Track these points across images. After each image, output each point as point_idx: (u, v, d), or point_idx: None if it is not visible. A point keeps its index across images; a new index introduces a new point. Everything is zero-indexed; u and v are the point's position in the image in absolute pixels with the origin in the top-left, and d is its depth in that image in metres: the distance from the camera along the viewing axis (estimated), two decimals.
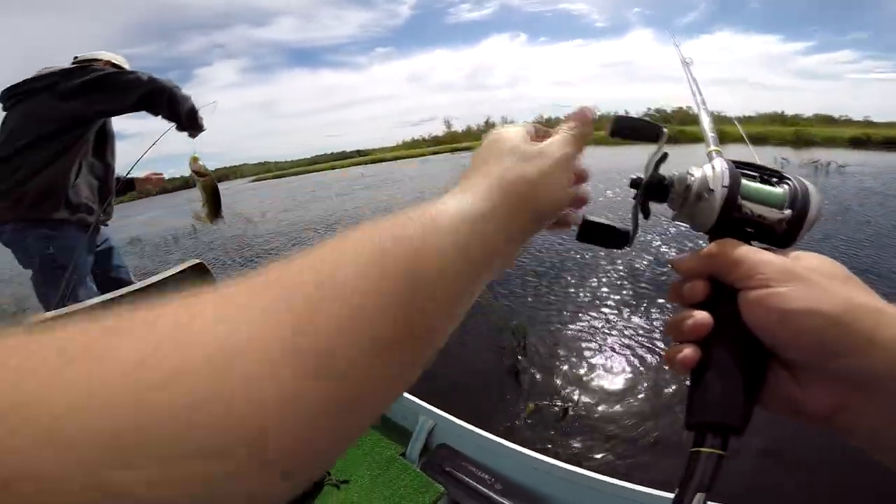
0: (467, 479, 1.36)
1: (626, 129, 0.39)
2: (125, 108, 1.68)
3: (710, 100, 0.51)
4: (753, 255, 0.29)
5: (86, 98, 1.62)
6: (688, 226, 0.36)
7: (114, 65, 1.81)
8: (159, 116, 1.68)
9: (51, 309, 1.49)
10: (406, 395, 1.65)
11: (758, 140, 19.97)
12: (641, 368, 2.73)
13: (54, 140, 1.62)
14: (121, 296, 1.30)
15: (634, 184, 0.37)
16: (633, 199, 0.38)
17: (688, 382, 0.31)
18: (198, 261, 1.61)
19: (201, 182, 1.74)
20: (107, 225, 1.91)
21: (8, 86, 1.68)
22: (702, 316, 0.29)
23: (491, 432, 1.45)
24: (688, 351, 0.29)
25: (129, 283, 1.94)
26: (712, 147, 0.40)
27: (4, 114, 1.69)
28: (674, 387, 2.44)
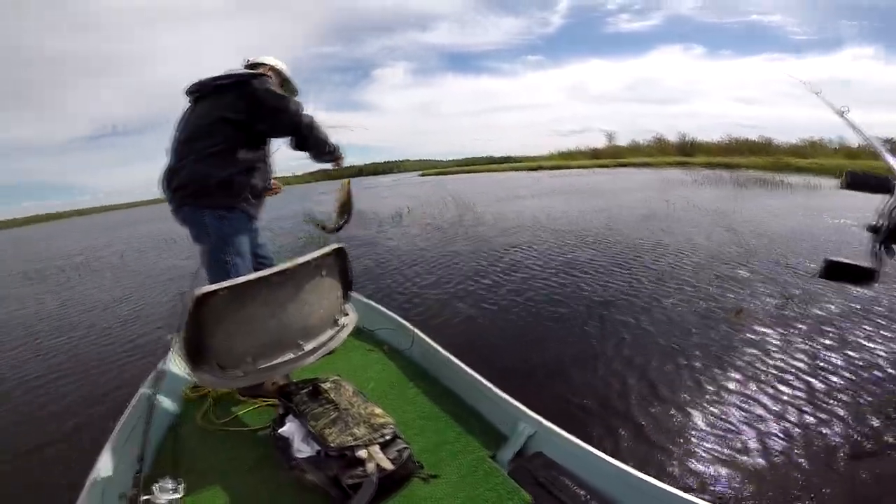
0: (559, 493, 1.29)
1: (860, 183, 0.51)
2: (276, 136, 2.10)
3: None
4: None
5: (258, 115, 1.95)
6: None
7: (275, 70, 2.18)
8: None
9: (216, 280, 1.76)
10: (506, 397, 1.64)
11: None
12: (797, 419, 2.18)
13: (232, 140, 1.92)
14: (275, 273, 1.54)
15: (873, 229, 0.48)
16: (873, 242, 0.47)
17: None
18: (339, 245, 1.84)
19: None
20: (257, 217, 2.22)
21: (197, 80, 2.01)
22: None
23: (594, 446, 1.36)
24: None
25: (270, 259, 2.27)
26: None
27: (190, 105, 2.03)
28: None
